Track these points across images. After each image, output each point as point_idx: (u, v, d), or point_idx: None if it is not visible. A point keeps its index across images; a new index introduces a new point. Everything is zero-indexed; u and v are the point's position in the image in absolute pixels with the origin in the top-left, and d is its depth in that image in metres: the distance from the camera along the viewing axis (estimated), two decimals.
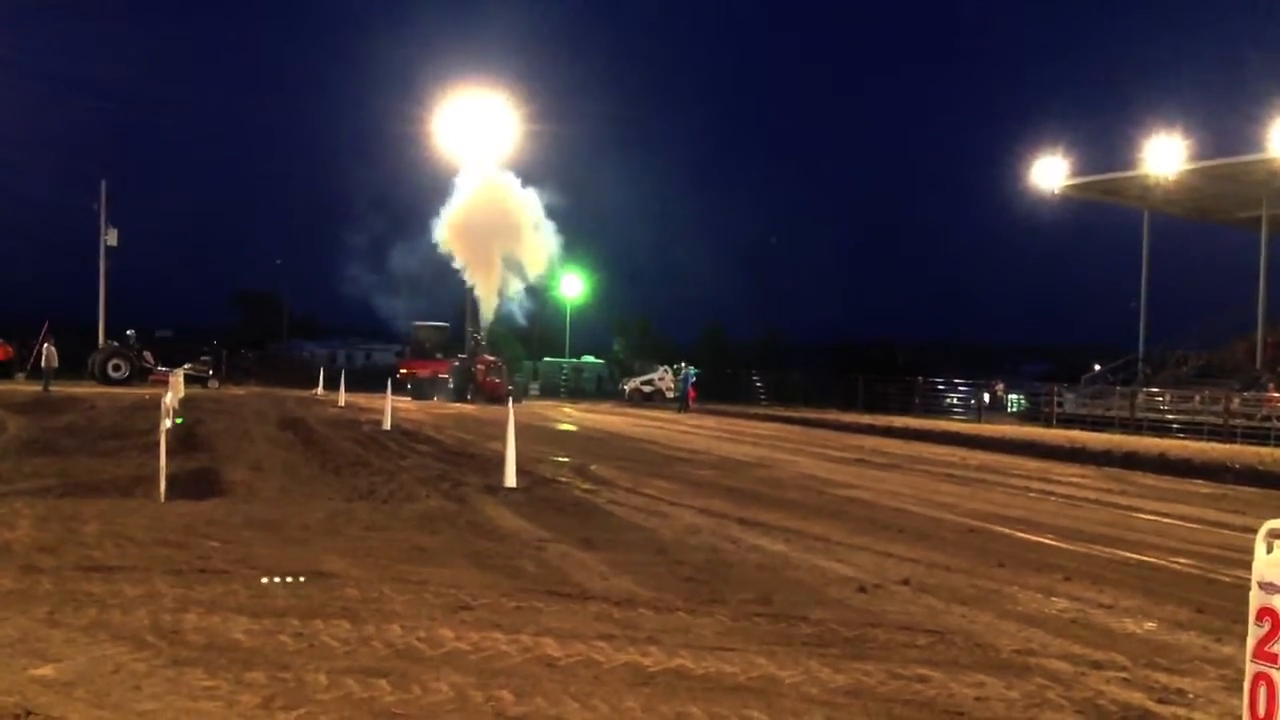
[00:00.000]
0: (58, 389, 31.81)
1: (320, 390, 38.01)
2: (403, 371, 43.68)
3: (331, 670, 5.01)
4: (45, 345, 35.16)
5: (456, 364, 40.76)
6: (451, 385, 39.39)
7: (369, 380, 41.77)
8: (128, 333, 40.55)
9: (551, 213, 41.90)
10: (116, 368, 38.74)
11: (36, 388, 32.26)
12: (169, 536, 8.38)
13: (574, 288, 56.90)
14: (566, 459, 16.88)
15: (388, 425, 21.54)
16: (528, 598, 6.71)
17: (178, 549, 7.89)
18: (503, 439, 13.39)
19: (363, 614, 6.09)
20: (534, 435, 20.70)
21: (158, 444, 11.17)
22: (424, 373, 41.97)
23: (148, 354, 40.25)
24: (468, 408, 34.54)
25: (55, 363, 34.50)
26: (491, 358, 41.35)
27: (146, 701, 4.51)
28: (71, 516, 9.05)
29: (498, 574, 7.56)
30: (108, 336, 43.39)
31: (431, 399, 38.43)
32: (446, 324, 47.95)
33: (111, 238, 45.36)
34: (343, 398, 32.17)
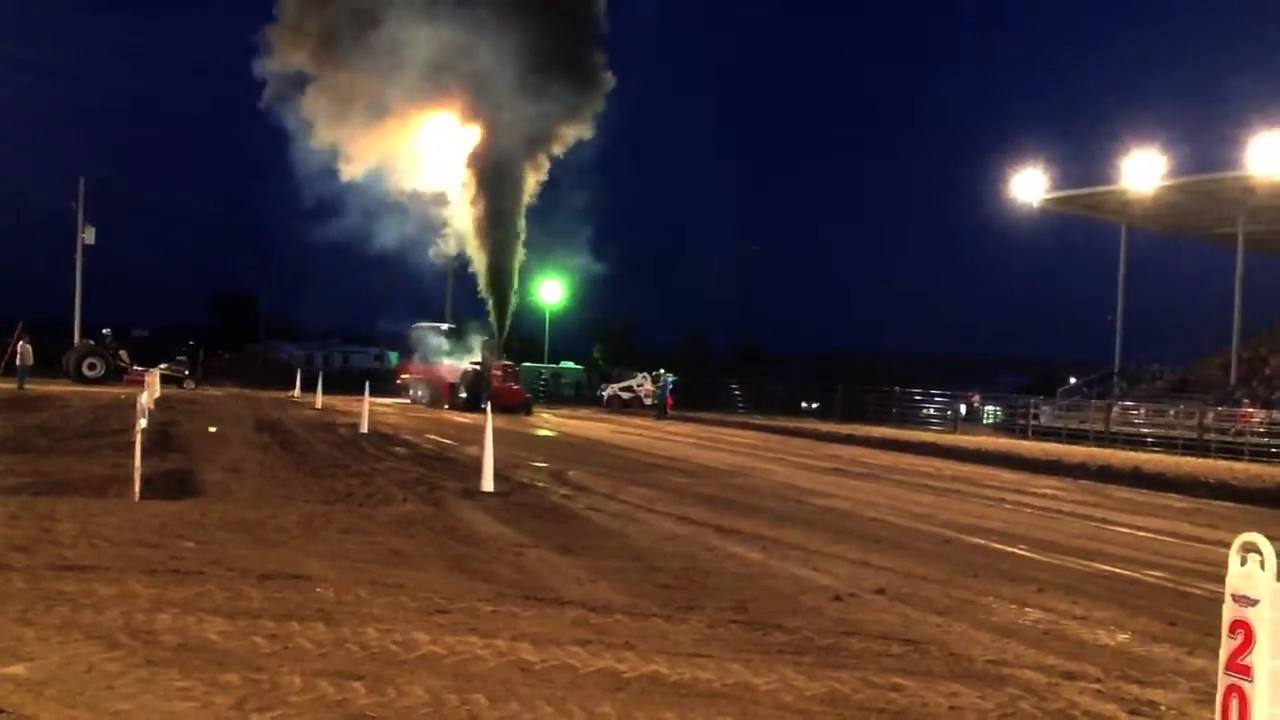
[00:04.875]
0: (32, 387, 31.54)
1: (297, 392, 37.83)
2: (404, 376, 41.54)
3: (306, 672, 4.99)
4: (20, 343, 34.91)
5: (469, 370, 36.32)
6: (464, 394, 35.18)
7: (347, 383, 41.46)
8: (103, 331, 40.19)
9: (532, 216, 41.37)
10: (92, 366, 38.39)
11: (11, 385, 31.95)
12: (144, 536, 8.31)
13: (553, 293, 56.76)
14: (544, 464, 16.86)
15: (365, 428, 21.46)
16: (504, 602, 6.70)
17: (152, 549, 7.83)
18: (480, 443, 13.37)
19: (338, 616, 6.06)
20: (512, 440, 20.67)
21: (133, 443, 11.10)
22: (428, 377, 39.13)
23: (123, 353, 39.86)
24: (444, 412, 33.70)
25: (30, 361, 34.26)
26: (508, 362, 37.07)
27: (119, 701, 4.48)
28: (45, 515, 8.96)
29: (474, 578, 7.54)
30: (84, 335, 43.01)
31: (442, 406, 35.68)
32: (451, 325, 43.45)
33: (89, 236, 45.06)
34: (320, 400, 32.05)
